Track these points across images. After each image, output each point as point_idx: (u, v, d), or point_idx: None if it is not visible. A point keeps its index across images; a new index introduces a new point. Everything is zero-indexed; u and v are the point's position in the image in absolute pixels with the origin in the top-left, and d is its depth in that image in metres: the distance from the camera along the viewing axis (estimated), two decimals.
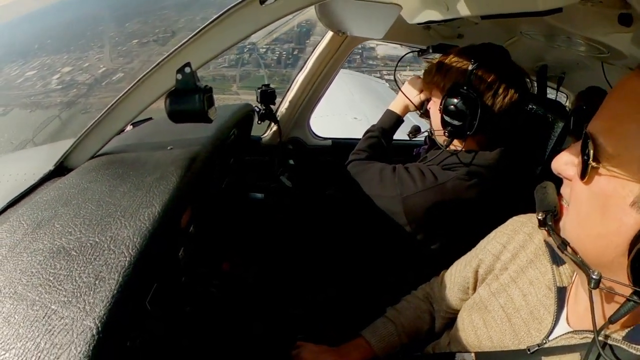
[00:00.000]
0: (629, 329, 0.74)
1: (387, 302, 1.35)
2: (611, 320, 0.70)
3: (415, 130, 1.83)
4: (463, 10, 1.27)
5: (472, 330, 1.00)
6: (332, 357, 1.27)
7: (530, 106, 2.13)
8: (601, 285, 0.68)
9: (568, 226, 0.75)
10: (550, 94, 2.34)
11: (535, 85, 1.62)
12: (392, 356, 1.25)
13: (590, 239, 0.69)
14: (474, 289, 1.12)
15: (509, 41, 2.07)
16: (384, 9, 1.26)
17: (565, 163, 0.74)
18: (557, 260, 0.92)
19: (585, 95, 2.04)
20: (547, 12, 1.04)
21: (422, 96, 1.73)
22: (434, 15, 1.43)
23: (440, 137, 1.57)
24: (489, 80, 1.43)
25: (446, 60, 1.51)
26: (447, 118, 1.46)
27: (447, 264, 1.29)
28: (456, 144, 1.56)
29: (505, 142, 1.55)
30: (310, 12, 1.40)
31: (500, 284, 1.00)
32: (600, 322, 0.73)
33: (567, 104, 2.52)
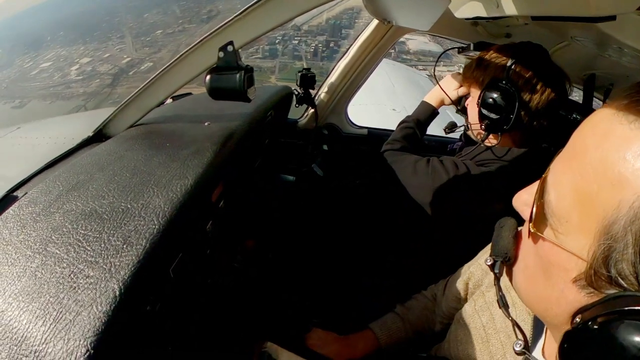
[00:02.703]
0: None
1: (402, 296, 1.33)
2: None
3: (452, 126, 1.79)
4: (513, 9, 1.23)
5: (455, 343, 0.97)
6: (339, 345, 1.26)
7: (574, 115, 2.03)
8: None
9: (515, 275, 0.67)
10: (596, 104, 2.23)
11: (565, 91, 1.54)
12: (397, 353, 1.24)
13: (535, 297, 0.62)
14: (465, 300, 1.08)
15: (558, 45, 1.97)
16: (433, 1, 1.22)
17: (525, 204, 0.63)
18: None
19: None
20: (600, 19, 0.99)
21: (460, 91, 1.72)
22: (483, 11, 1.39)
23: (477, 132, 1.56)
24: (527, 76, 1.42)
25: (486, 56, 1.51)
26: (484, 111, 1.46)
27: (467, 260, 1.23)
28: (491, 140, 1.54)
29: (540, 141, 1.53)
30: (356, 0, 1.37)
31: (485, 301, 0.95)
32: None
33: None
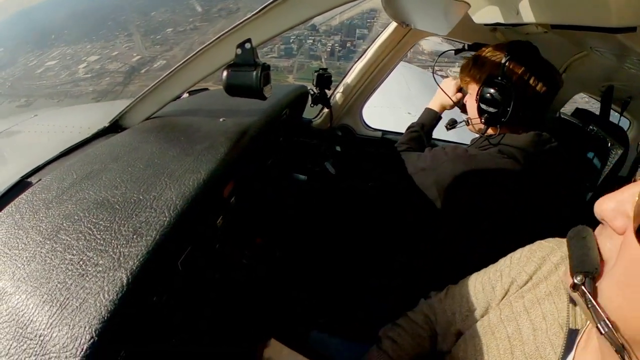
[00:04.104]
0: None
1: (409, 297, 1.29)
2: None
3: (453, 122, 1.84)
4: (533, 17, 1.22)
5: (474, 352, 0.90)
6: None
7: (591, 127, 2.00)
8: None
9: (607, 292, 0.58)
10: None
11: (556, 83, 1.58)
12: None
13: (633, 315, 0.55)
14: (495, 307, 0.98)
15: (577, 55, 1.94)
16: (452, 5, 1.21)
17: (615, 210, 0.56)
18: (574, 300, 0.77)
19: None
20: (620, 30, 0.97)
21: (458, 95, 1.83)
22: (502, 17, 1.39)
23: (477, 126, 1.64)
24: (520, 72, 1.49)
25: (482, 55, 1.58)
26: (483, 106, 1.54)
27: (473, 261, 1.18)
28: (490, 133, 1.62)
29: (532, 129, 1.58)
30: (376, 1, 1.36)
31: (512, 311, 0.90)
32: None
33: (629, 132, 2.34)
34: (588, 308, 0.58)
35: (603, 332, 0.56)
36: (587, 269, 0.59)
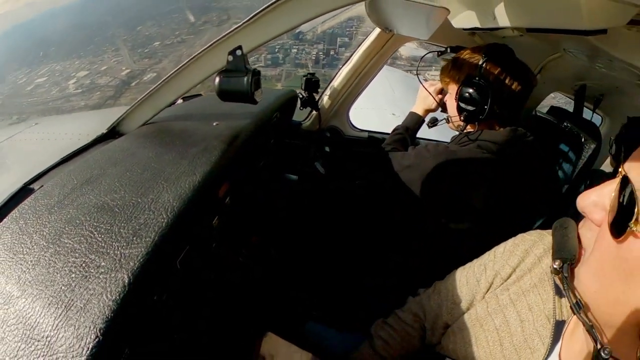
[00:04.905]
0: None
1: (405, 296, 1.30)
2: None
3: (434, 120, 1.89)
4: (509, 21, 1.23)
5: (463, 344, 0.91)
6: None
7: (565, 124, 2.03)
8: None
9: (583, 278, 0.61)
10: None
11: (530, 82, 1.63)
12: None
13: (606, 301, 0.58)
14: (480, 300, 0.98)
15: (551, 56, 1.97)
16: (432, 11, 1.23)
17: (594, 204, 0.59)
18: (560, 291, 0.80)
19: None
20: (592, 32, 0.99)
21: (438, 98, 1.87)
22: (480, 22, 1.41)
23: (456, 123, 1.67)
24: (496, 72, 1.53)
25: (460, 57, 1.62)
26: (462, 105, 1.57)
27: (463, 255, 1.18)
28: (469, 130, 1.65)
29: (508, 125, 1.63)
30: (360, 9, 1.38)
31: (498, 304, 0.90)
32: None
33: (601, 127, 2.39)
34: (564, 288, 0.62)
35: (576, 312, 0.60)
36: (565, 256, 0.63)
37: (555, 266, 0.64)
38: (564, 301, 0.80)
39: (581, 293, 0.61)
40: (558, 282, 0.64)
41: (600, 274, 0.58)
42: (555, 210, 2.02)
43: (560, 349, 0.76)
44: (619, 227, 0.54)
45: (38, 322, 0.65)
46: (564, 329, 0.78)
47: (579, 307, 0.60)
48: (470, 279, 1.01)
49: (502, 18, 1.24)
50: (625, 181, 0.54)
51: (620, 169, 0.57)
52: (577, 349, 0.72)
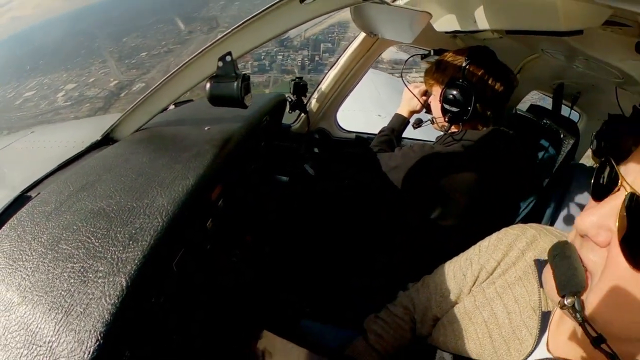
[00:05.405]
0: None
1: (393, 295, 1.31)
2: None
3: (419, 121, 1.90)
4: (489, 24, 1.25)
5: (453, 337, 0.91)
6: None
7: (545, 121, 2.07)
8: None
9: (595, 308, 0.56)
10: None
11: (511, 83, 1.66)
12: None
13: (620, 324, 0.56)
14: (467, 293, 0.99)
15: (530, 57, 2.00)
16: (415, 16, 1.24)
17: (598, 227, 0.54)
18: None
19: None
20: (568, 33, 1.01)
21: (422, 99, 1.89)
22: (461, 25, 1.43)
23: (441, 124, 1.68)
24: (479, 74, 1.54)
25: (444, 60, 1.63)
26: (446, 106, 1.58)
27: (450, 250, 1.17)
28: (453, 130, 1.67)
29: (490, 124, 1.66)
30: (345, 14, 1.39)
31: (485, 297, 0.90)
32: (581, 356, 0.67)
33: (579, 123, 2.43)
34: (580, 325, 0.57)
35: (597, 347, 0.55)
36: (576, 289, 0.57)
37: (567, 303, 0.56)
38: None
39: (594, 319, 0.56)
40: (569, 316, 0.58)
41: (615, 301, 0.54)
42: (537, 204, 2.06)
43: (548, 338, 0.76)
44: (636, 253, 0.50)
45: (39, 328, 0.64)
46: (550, 319, 0.78)
47: (601, 341, 0.55)
48: (457, 273, 1.01)
49: (482, 21, 1.26)
50: (636, 201, 0.51)
51: (620, 182, 0.53)
52: (563, 339, 0.72)
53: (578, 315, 0.56)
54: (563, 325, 0.74)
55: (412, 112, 1.97)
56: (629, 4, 0.53)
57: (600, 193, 0.57)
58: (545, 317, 0.78)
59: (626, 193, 0.52)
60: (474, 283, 0.96)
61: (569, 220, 1.91)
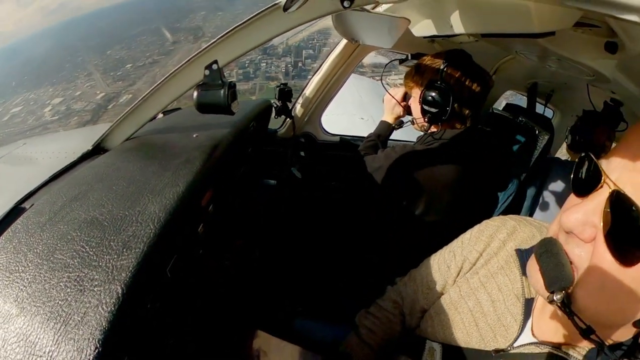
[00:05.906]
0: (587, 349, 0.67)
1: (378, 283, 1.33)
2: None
3: (400, 122, 1.94)
4: (464, 28, 1.27)
5: (441, 327, 0.93)
6: None
7: (520, 118, 2.11)
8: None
9: (582, 299, 0.57)
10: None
11: (487, 84, 1.69)
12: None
13: (607, 313, 0.57)
14: (452, 284, 1.01)
15: (505, 59, 2.04)
16: (394, 22, 1.26)
17: (583, 224, 0.55)
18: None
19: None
20: (541, 35, 1.03)
21: (403, 104, 1.88)
22: (438, 30, 1.45)
23: (421, 124, 1.71)
24: (456, 76, 1.58)
25: (422, 63, 1.66)
26: (426, 107, 1.61)
27: (432, 243, 1.20)
28: (433, 130, 1.69)
29: (467, 123, 1.68)
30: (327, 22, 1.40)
31: (469, 287, 0.91)
32: (565, 338, 0.70)
33: (553, 120, 2.49)
34: (569, 318, 0.58)
35: (586, 336, 0.58)
36: (564, 285, 0.57)
37: (556, 299, 0.57)
38: None
39: (583, 311, 0.58)
40: (557, 310, 0.60)
41: (601, 293, 0.56)
42: (516, 196, 2.11)
43: (532, 324, 0.78)
44: (620, 248, 0.52)
45: (39, 338, 0.64)
46: (533, 306, 0.80)
47: (590, 332, 0.57)
48: (441, 265, 1.03)
49: (458, 26, 1.28)
50: (620, 198, 0.52)
51: (603, 180, 0.54)
52: (547, 323, 0.74)
53: (567, 310, 0.58)
54: (546, 310, 0.76)
55: (397, 118, 1.98)
56: (597, 6, 0.55)
57: (583, 189, 0.58)
58: (528, 304, 0.80)
59: (610, 190, 0.53)
60: (458, 274, 0.98)
61: (547, 209, 1.96)
